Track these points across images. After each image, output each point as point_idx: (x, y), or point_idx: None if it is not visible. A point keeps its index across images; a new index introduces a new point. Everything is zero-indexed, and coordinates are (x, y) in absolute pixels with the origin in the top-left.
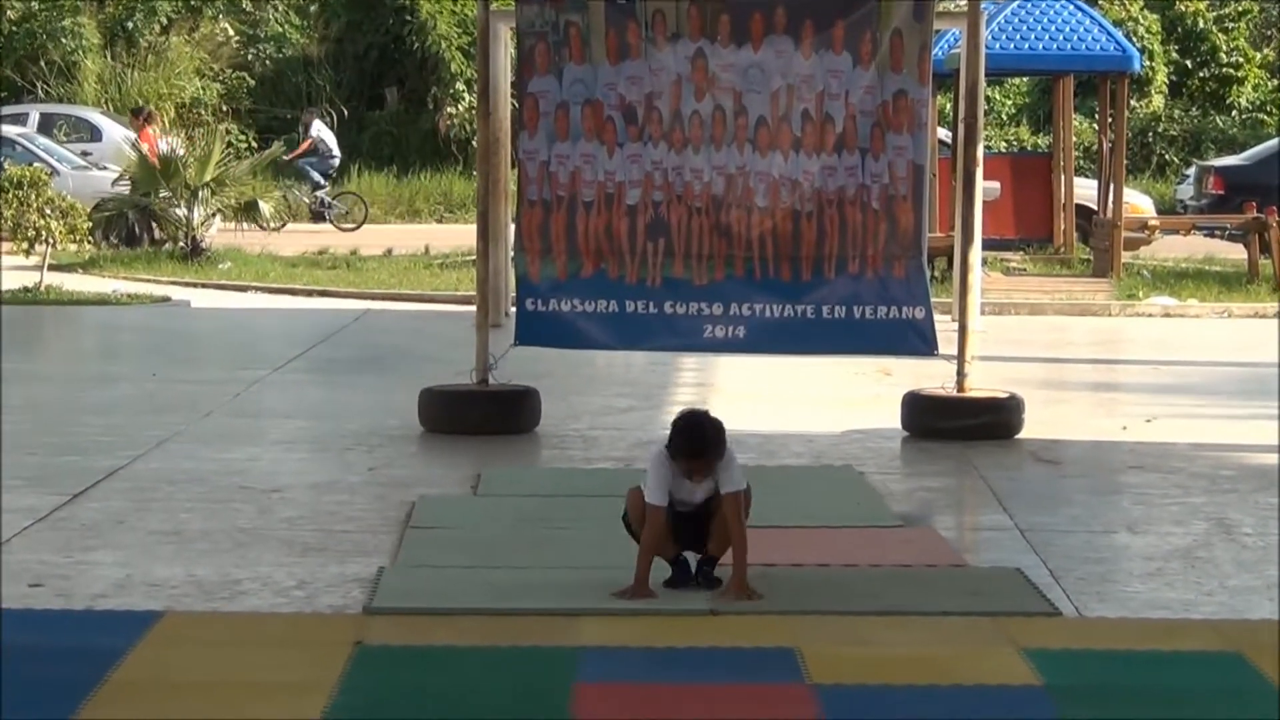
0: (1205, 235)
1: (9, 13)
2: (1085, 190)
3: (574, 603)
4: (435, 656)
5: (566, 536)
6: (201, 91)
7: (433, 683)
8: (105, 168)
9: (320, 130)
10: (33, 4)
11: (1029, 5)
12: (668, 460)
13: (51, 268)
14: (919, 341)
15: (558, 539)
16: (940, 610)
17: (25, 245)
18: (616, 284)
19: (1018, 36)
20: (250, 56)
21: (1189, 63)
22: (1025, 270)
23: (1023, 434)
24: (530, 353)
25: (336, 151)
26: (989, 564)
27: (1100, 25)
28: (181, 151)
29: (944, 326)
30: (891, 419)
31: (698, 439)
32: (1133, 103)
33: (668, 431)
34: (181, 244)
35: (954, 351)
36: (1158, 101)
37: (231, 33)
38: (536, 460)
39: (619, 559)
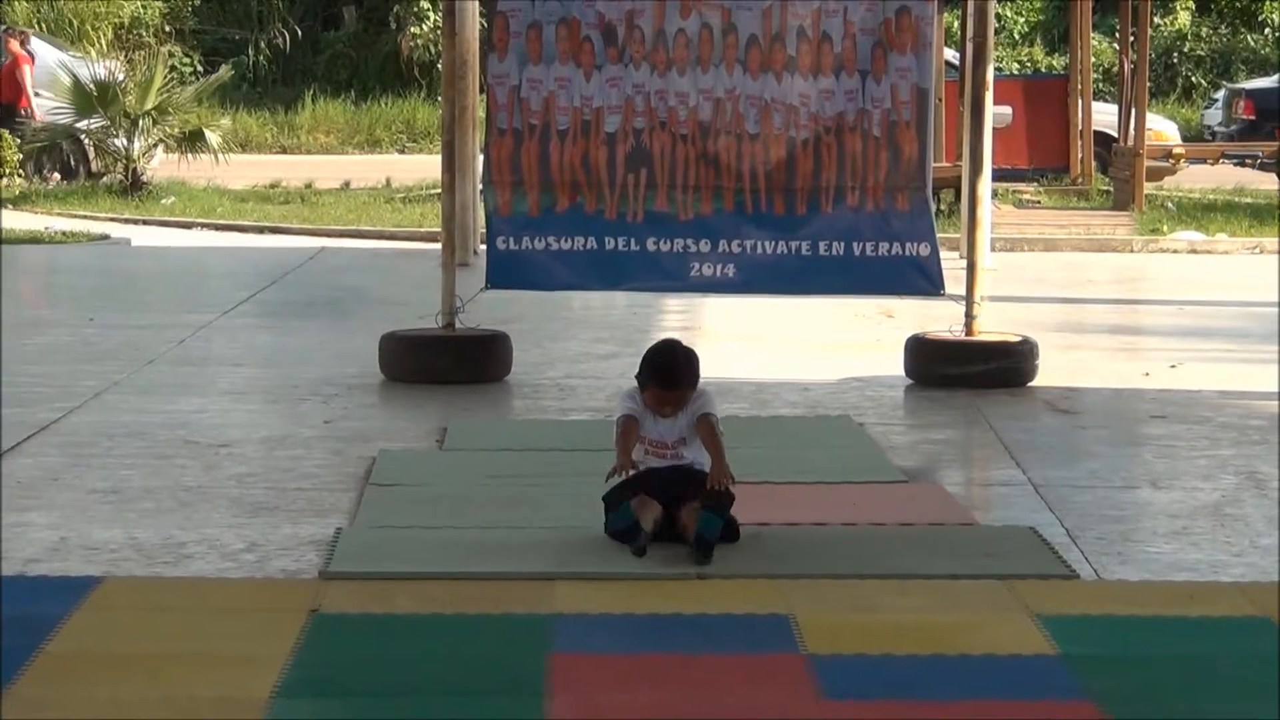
0: (1235, 164)
1: None
2: (1104, 116)
3: (548, 566)
4: (397, 625)
5: (540, 494)
6: (142, 10)
7: (395, 653)
8: (38, 94)
9: None
10: None
11: None
12: (637, 394)
13: None
14: (923, 280)
15: (530, 496)
16: (947, 573)
17: None
18: (594, 219)
19: None
20: None
21: None
22: (1039, 203)
23: (1036, 381)
24: (501, 295)
25: None
26: (1000, 522)
27: None
28: (121, 77)
29: (951, 264)
30: (894, 365)
31: (669, 366)
32: (1156, 20)
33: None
34: (121, 177)
35: (962, 291)
36: (1183, 19)
37: None
38: (508, 411)
39: (597, 518)
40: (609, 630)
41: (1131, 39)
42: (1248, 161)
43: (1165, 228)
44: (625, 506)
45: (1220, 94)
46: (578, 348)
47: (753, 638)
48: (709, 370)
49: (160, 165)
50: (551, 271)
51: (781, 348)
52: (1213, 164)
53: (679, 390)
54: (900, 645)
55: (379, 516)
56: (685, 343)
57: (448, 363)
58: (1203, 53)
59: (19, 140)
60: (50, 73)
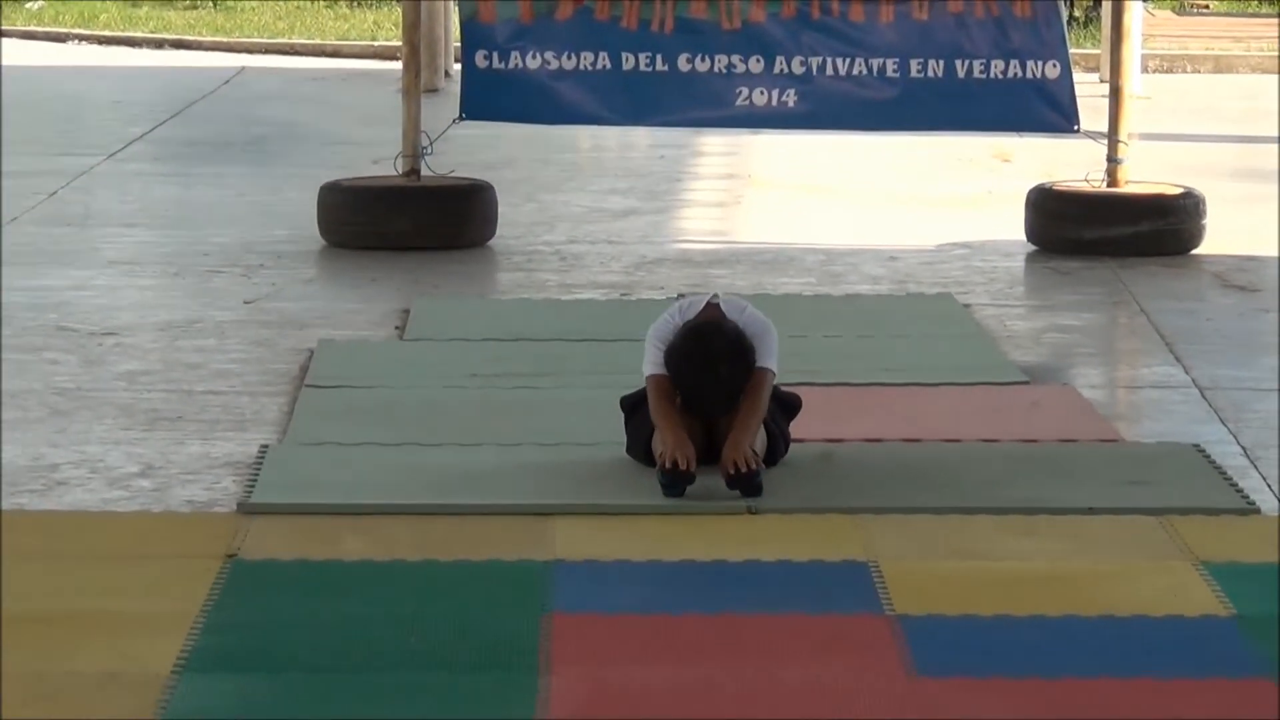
0: None
1: None
2: None
3: (545, 496)
4: (342, 576)
5: (534, 399)
6: None
7: (339, 614)
8: None
9: None
10: None
11: None
12: (672, 331)
13: None
14: (1051, 112)
15: (521, 402)
16: (1082, 505)
17: None
18: (608, 29)
19: None
20: None
21: None
22: (1208, 7)
23: (1202, 248)
24: (482, 131)
25: None
26: (1154, 438)
27: None
28: None
29: (1088, 90)
30: (1011, 226)
31: (699, 391)
32: None
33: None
34: None
35: (1102, 127)
36: None
37: None
38: (491, 289)
39: (609, 430)
40: (627, 582)
41: None
42: None
43: None
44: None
45: None
46: (585, 202)
47: (821, 593)
48: (757, 235)
49: None
50: (549, 99)
51: (859, 203)
52: None
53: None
54: (1020, 604)
55: (317, 430)
56: (733, 203)
57: (410, 222)
58: None
59: None
60: None
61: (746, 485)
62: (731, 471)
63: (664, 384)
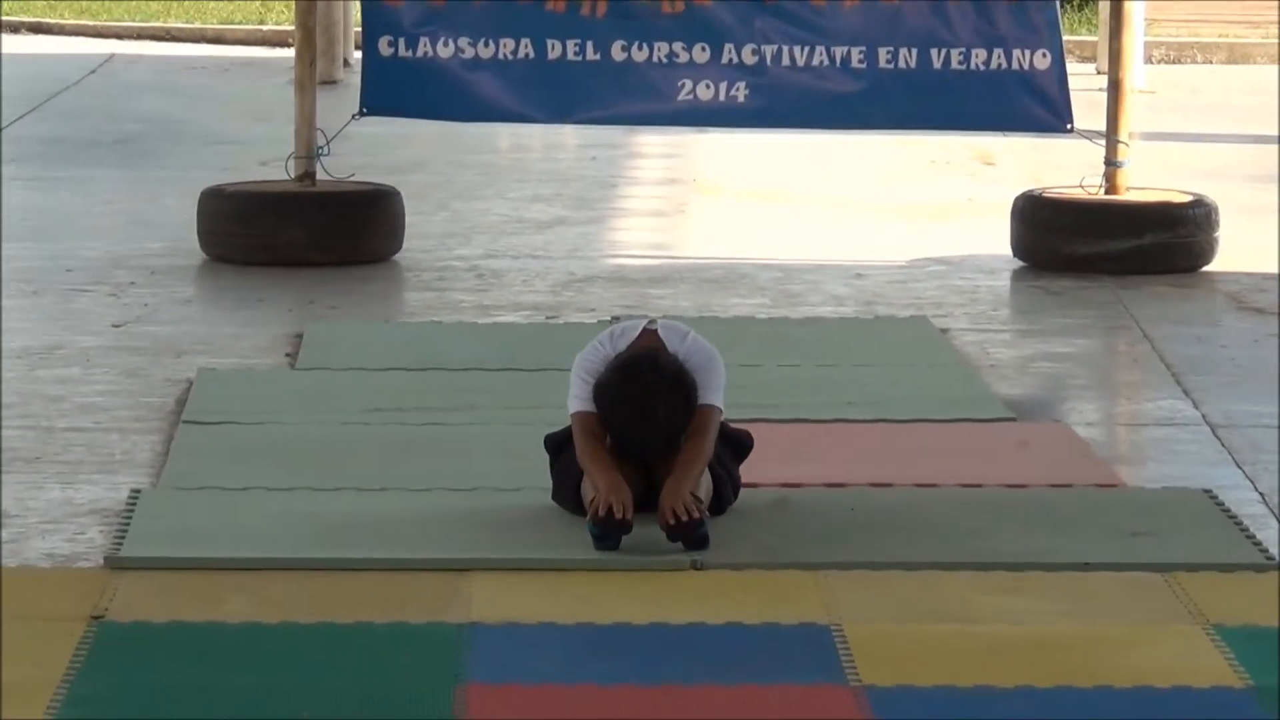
0: None
1: None
2: None
3: (460, 549)
4: (224, 641)
5: (444, 437)
6: None
7: (219, 685)
8: None
9: None
10: None
11: None
12: (601, 363)
13: None
14: (1040, 108)
15: (429, 441)
16: (1077, 561)
17: None
18: (531, 12)
19: None
20: None
21: None
22: None
23: (1214, 264)
24: (386, 129)
25: None
26: (1159, 482)
27: None
28: None
29: (1084, 84)
30: (995, 239)
31: (638, 438)
32: None
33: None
34: None
35: (1099, 125)
36: None
37: None
38: (397, 310)
39: (532, 474)
40: (553, 649)
41: None
42: None
43: None
44: (594, 524)
45: None
46: (505, 211)
47: (775, 660)
48: (703, 249)
49: None
50: (463, 93)
51: (820, 212)
52: None
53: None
54: (1004, 674)
55: (197, 472)
56: (675, 211)
57: (304, 233)
58: None
59: None
60: None
61: (689, 537)
62: (671, 521)
63: (592, 422)
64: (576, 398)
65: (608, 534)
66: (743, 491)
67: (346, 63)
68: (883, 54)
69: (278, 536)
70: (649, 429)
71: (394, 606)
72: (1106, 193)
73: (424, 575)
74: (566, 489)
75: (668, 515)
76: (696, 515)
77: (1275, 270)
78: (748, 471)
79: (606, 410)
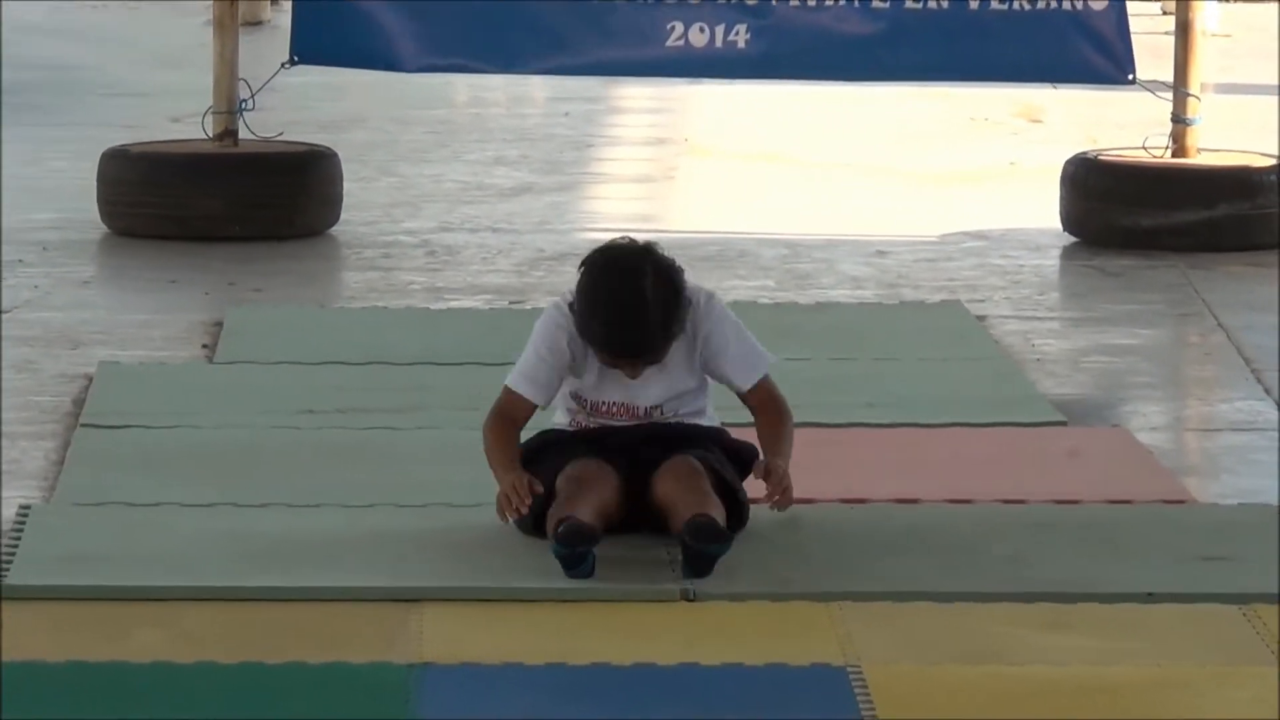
0: None
1: None
2: None
3: (407, 575)
4: (131, 683)
5: (390, 443)
6: None
7: None
8: None
9: None
10: None
11: None
12: (568, 325)
13: None
14: (1096, 54)
15: (373, 448)
16: (1138, 591)
17: None
18: None
19: None
20: None
21: None
22: None
23: None
24: (323, 79)
25: None
26: (1235, 498)
27: None
28: None
29: (1146, 25)
30: (1042, 210)
31: (619, 325)
32: None
33: (578, 264)
34: None
35: (1166, 76)
36: None
37: None
38: (333, 294)
39: (493, 486)
40: (517, 693)
41: None
42: None
43: None
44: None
45: None
46: (461, 176)
47: (783, 706)
48: (695, 221)
49: None
50: (411, 37)
51: (834, 178)
52: None
53: (647, 355)
54: None
55: (98, 484)
56: (663, 177)
57: (224, 203)
58: None
59: None
60: None
61: (697, 565)
62: (776, 495)
63: (517, 407)
64: (518, 371)
65: (574, 547)
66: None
67: (274, 0)
68: None
69: (194, 560)
70: (638, 314)
71: (331, 643)
72: (1173, 155)
73: (366, 606)
74: (530, 513)
75: (777, 484)
76: (784, 495)
77: None
78: (751, 487)
79: (587, 308)
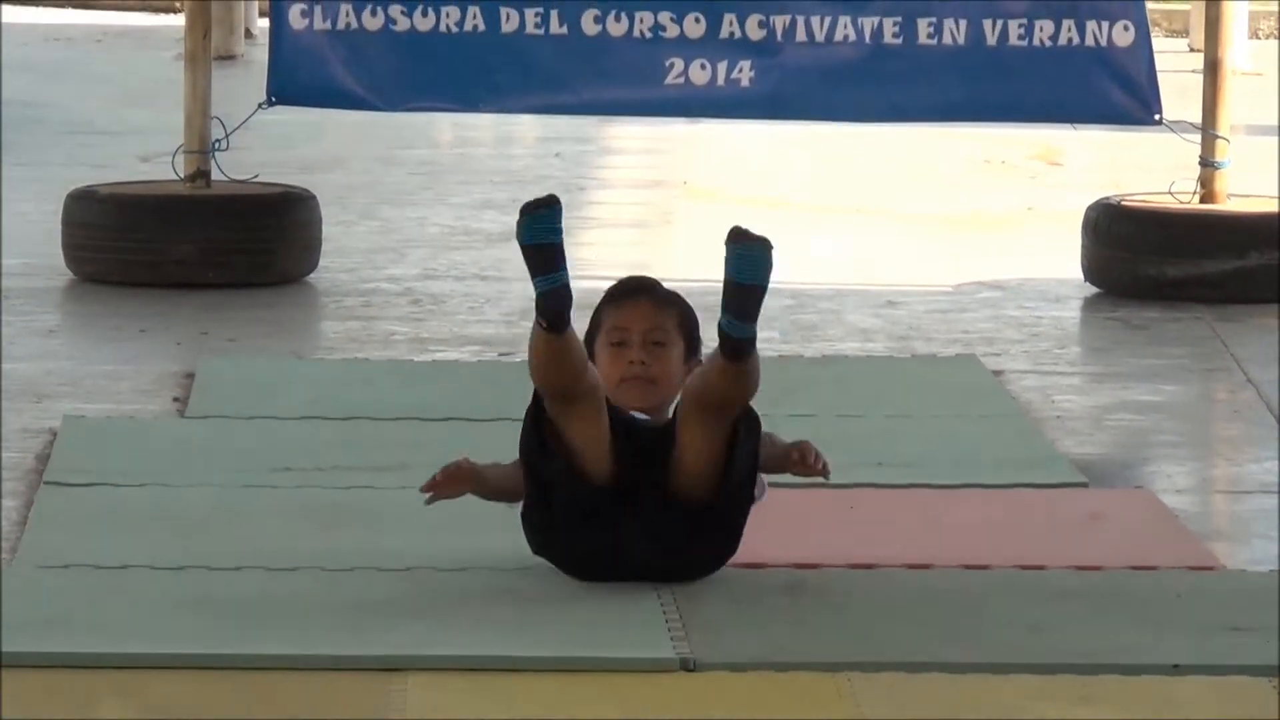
0: None
1: None
2: None
3: (390, 643)
4: None
5: (372, 503)
6: None
7: None
8: None
9: None
10: None
11: None
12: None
13: None
14: (1120, 93)
15: (354, 508)
16: (1165, 662)
17: None
18: None
19: None
20: None
21: None
22: None
23: None
24: (301, 118)
25: None
26: (1266, 564)
27: None
28: None
29: (1173, 63)
30: (1062, 259)
31: (627, 283)
32: None
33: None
34: None
35: (1194, 116)
36: None
37: None
38: (311, 345)
39: (481, 546)
40: None
41: None
42: None
43: None
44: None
45: None
46: (447, 220)
47: None
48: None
49: None
50: (394, 75)
51: (841, 223)
52: None
53: (644, 305)
54: None
55: (62, 546)
56: (658, 222)
57: (196, 247)
58: None
59: None
60: None
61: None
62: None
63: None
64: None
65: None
66: (747, 574)
67: (249, 34)
68: (923, 26)
69: (164, 627)
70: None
71: (309, 715)
72: (1202, 201)
73: (346, 676)
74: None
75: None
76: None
77: None
78: (755, 550)
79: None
